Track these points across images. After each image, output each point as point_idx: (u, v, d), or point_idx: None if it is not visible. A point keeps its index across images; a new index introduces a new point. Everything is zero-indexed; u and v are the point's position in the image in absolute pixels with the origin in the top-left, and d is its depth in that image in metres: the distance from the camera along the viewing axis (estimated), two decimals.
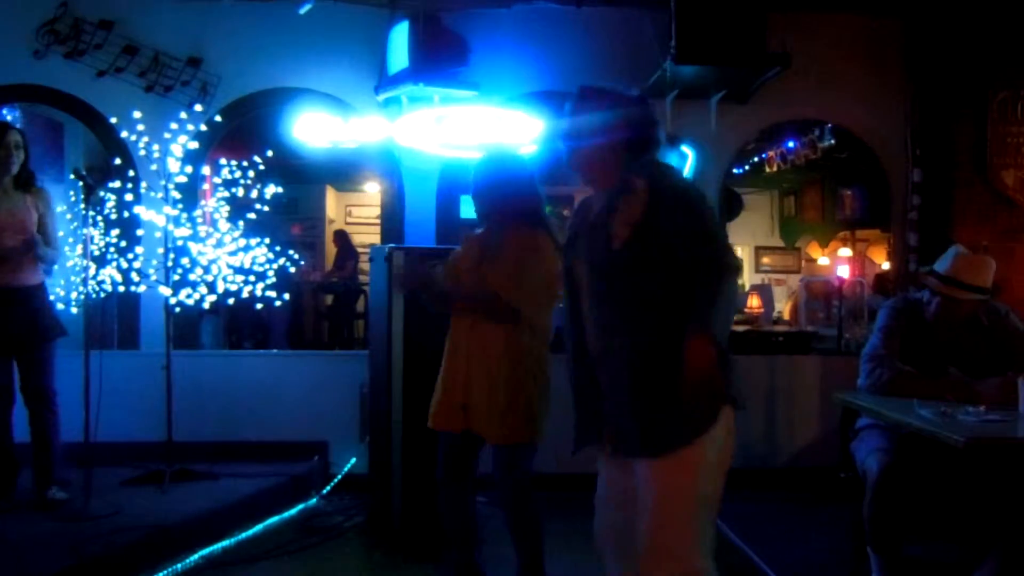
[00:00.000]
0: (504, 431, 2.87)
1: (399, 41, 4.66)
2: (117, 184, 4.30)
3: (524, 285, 2.82)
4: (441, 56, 4.65)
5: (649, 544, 2.05)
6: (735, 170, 5.46)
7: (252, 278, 4.46)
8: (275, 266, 4.56)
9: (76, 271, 4.28)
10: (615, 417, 2.14)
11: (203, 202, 4.39)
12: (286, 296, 4.65)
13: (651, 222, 2.01)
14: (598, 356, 2.13)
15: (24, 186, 3.72)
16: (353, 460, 4.68)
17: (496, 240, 2.91)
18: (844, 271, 7.50)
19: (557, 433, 4.84)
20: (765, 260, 11.49)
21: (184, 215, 4.29)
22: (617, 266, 2.05)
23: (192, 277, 4.29)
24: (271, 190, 4.48)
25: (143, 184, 4.44)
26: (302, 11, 4.70)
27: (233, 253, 4.43)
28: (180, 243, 4.27)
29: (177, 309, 4.26)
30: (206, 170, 4.98)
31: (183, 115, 4.35)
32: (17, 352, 3.70)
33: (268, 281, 4.50)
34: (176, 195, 4.25)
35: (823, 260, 11.14)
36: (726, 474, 2.08)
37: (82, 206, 3.64)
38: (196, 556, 3.47)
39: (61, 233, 4.02)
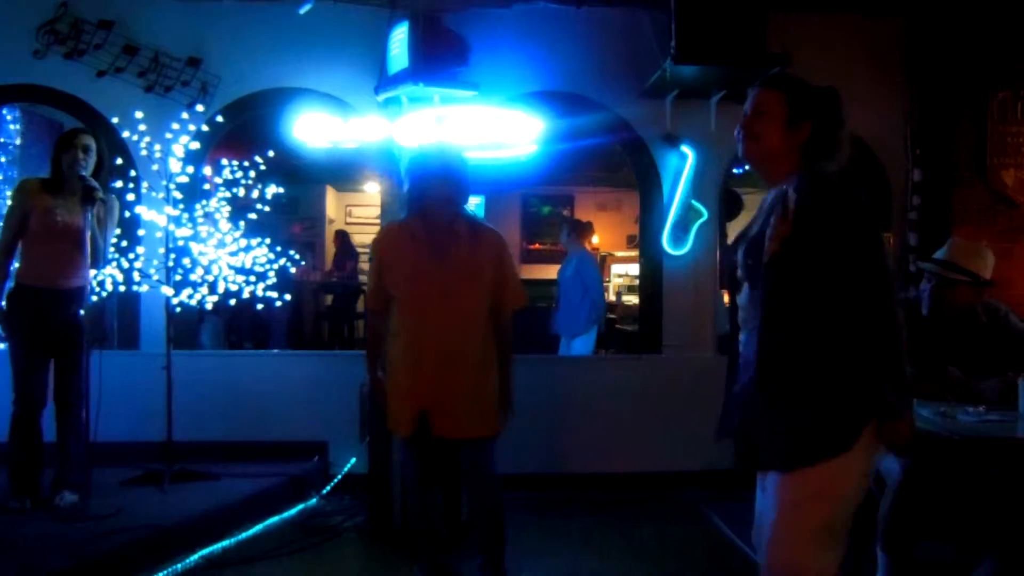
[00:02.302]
0: (493, 425, 2.96)
1: (399, 41, 4.66)
2: (118, 184, 4.30)
3: (515, 282, 3.02)
4: (441, 56, 4.64)
5: (767, 562, 2.01)
6: (735, 170, 5.44)
7: (253, 278, 4.46)
8: (275, 266, 4.56)
9: None
10: (747, 427, 2.07)
11: (204, 201, 4.39)
12: (287, 296, 4.65)
13: (800, 239, 1.96)
14: (743, 362, 2.11)
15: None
16: (353, 460, 4.68)
17: (462, 228, 2.97)
18: None
19: (553, 433, 4.88)
20: None
21: (185, 215, 4.29)
22: (768, 281, 2.00)
23: (193, 277, 4.30)
24: (271, 190, 4.48)
25: (144, 184, 4.44)
26: (302, 11, 4.70)
27: (234, 253, 4.43)
28: (181, 243, 4.27)
29: (178, 309, 4.26)
30: (207, 170, 4.98)
31: (184, 115, 4.35)
32: (59, 353, 3.73)
33: (268, 281, 4.51)
34: (177, 195, 4.25)
35: None
36: (860, 497, 2.01)
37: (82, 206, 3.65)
38: (196, 556, 3.47)
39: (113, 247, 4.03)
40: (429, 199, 2.94)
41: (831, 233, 1.94)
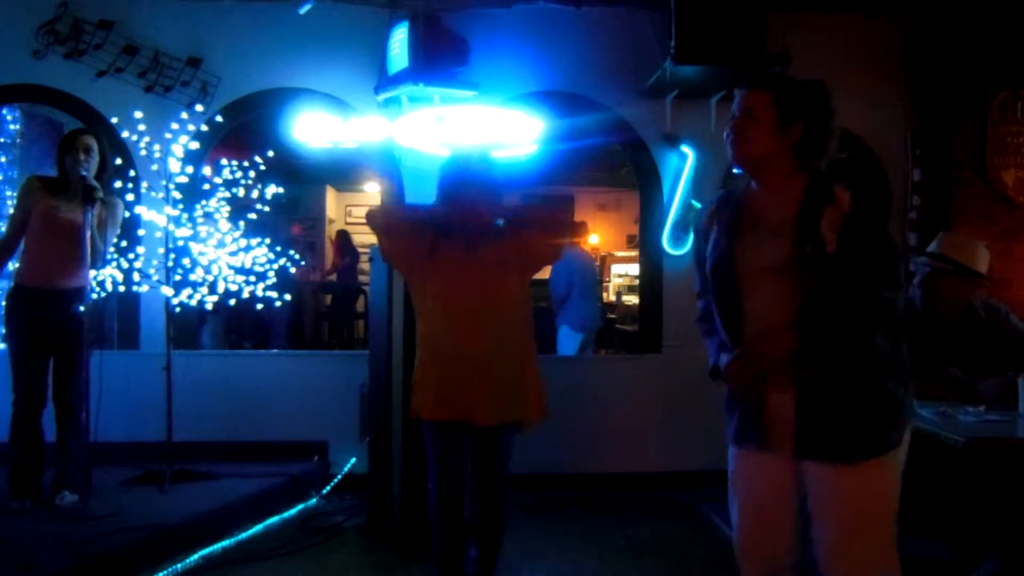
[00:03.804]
0: (532, 411, 2.95)
1: (399, 41, 4.66)
2: (118, 184, 4.30)
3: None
4: (441, 56, 4.64)
5: (837, 557, 2.00)
6: (735, 170, 5.44)
7: (252, 278, 4.46)
8: (275, 266, 4.56)
9: None
10: (809, 418, 2.03)
11: (204, 201, 4.39)
12: (287, 296, 4.65)
13: (853, 227, 1.99)
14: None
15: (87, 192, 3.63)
16: (353, 460, 4.69)
17: (486, 230, 2.94)
18: None
19: (553, 433, 4.87)
20: None
21: (185, 215, 4.29)
22: (832, 272, 1.99)
23: (193, 277, 4.30)
24: (271, 190, 4.48)
25: (144, 184, 4.44)
26: (302, 11, 4.70)
27: (234, 253, 4.43)
28: (181, 243, 4.27)
29: (178, 309, 4.26)
30: (207, 170, 4.99)
31: (184, 115, 4.35)
32: (59, 353, 3.73)
33: (268, 281, 4.51)
34: (177, 195, 4.25)
35: None
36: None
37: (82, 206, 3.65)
38: (196, 556, 3.47)
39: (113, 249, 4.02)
40: (462, 203, 2.92)
41: (881, 234, 2.01)
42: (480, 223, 2.94)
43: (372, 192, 10.25)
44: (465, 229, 2.93)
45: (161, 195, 4.23)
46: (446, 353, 2.89)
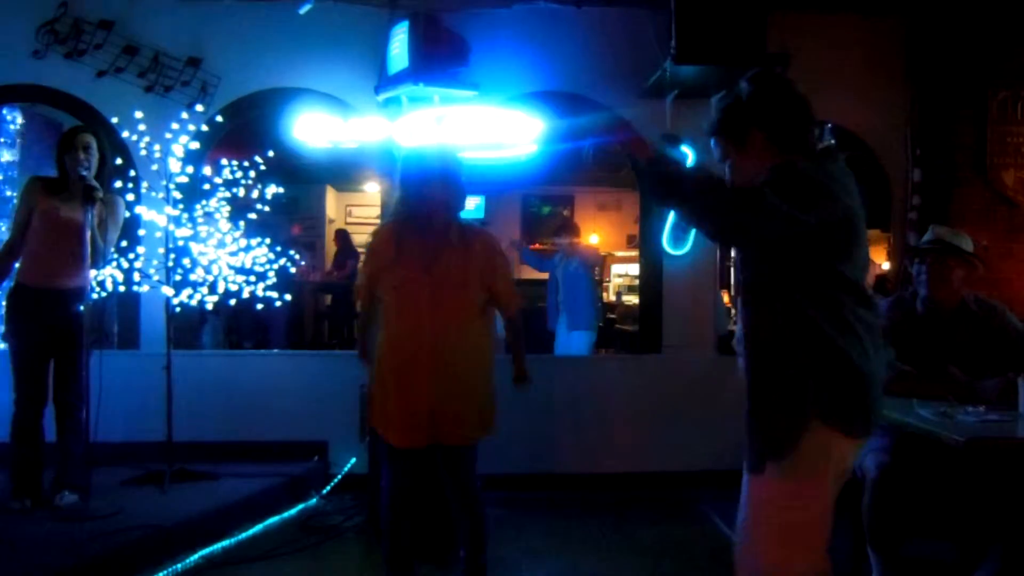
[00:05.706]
0: (483, 429, 2.94)
1: (399, 41, 4.66)
2: (118, 184, 4.30)
3: (507, 288, 3.01)
4: (441, 56, 4.64)
5: (736, 558, 2.02)
6: None
7: (253, 278, 4.46)
8: (275, 266, 4.56)
9: None
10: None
11: (204, 201, 4.39)
12: (287, 296, 4.65)
13: None
14: None
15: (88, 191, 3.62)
16: (353, 460, 4.69)
17: (454, 236, 2.91)
18: None
19: (553, 433, 4.87)
20: None
21: (185, 215, 4.29)
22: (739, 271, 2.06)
23: (193, 277, 4.30)
24: (271, 190, 4.48)
25: (144, 184, 4.44)
26: (302, 11, 4.70)
27: (234, 253, 4.43)
28: (181, 243, 4.27)
29: (178, 309, 4.26)
30: (207, 170, 5.00)
31: (184, 115, 4.36)
32: (59, 353, 3.73)
33: (268, 281, 4.51)
34: (177, 195, 4.25)
35: None
36: (829, 504, 1.97)
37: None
38: (196, 556, 3.48)
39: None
40: (424, 202, 2.89)
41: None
42: (444, 226, 2.90)
43: (372, 192, 10.24)
44: (428, 226, 2.89)
45: (161, 195, 4.23)
46: (407, 369, 2.85)
